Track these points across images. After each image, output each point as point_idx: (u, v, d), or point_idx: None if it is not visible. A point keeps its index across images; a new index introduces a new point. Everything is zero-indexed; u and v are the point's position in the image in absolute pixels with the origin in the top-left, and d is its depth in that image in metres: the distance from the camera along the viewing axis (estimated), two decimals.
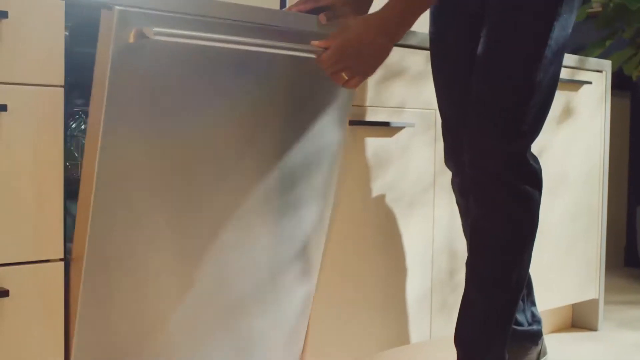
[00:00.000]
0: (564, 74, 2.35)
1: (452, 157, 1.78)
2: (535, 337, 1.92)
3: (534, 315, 1.94)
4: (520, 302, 1.90)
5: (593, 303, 2.58)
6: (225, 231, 1.47)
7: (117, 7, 1.22)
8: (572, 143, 2.41)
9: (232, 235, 1.49)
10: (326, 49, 1.48)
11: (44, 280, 1.30)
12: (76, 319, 1.32)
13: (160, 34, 1.23)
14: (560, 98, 2.34)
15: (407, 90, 1.88)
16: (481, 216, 1.65)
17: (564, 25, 1.59)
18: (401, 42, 1.85)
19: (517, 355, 1.89)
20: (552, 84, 1.64)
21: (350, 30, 1.49)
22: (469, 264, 1.68)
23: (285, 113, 1.53)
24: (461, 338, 1.67)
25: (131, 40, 1.24)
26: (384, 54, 1.51)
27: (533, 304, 1.95)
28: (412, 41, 1.86)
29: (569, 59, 2.39)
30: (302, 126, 1.56)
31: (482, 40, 1.63)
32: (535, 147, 2.24)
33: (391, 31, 1.50)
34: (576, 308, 2.62)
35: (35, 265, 1.29)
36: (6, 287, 1.25)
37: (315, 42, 1.49)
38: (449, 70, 1.75)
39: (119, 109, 1.27)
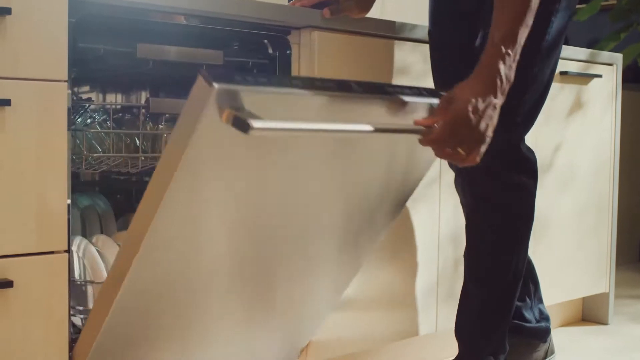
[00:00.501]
0: (574, 67, 2.35)
1: None
2: (543, 334, 1.92)
3: (541, 312, 1.94)
4: (527, 300, 1.90)
5: (603, 297, 2.58)
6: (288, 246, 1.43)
7: (216, 86, 1.05)
8: (582, 137, 2.40)
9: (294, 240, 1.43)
10: (430, 126, 1.31)
11: (48, 271, 1.32)
12: (112, 305, 1.28)
13: (260, 129, 1.04)
14: (570, 92, 2.34)
15: (411, 83, 1.88)
16: (476, 208, 1.66)
17: (561, 21, 1.60)
18: (405, 36, 1.87)
19: (525, 353, 1.89)
20: (548, 77, 1.65)
21: (458, 100, 1.32)
22: (466, 256, 1.69)
23: (367, 176, 1.42)
24: (461, 331, 1.68)
25: (224, 121, 1.07)
26: (496, 114, 1.37)
27: (540, 301, 1.96)
28: (416, 35, 1.87)
29: (579, 52, 2.38)
30: (384, 184, 1.47)
31: (480, 34, 1.63)
32: (545, 141, 2.25)
33: (498, 87, 1.35)
34: (586, 302, 2.62)
35: (39, 256, 1.31)
36: (10, 278, 1.28)
37: (419, 120, 1.32)
38: (447, 69, 1.75)
39: (192, 172, 1.16)
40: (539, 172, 2.14)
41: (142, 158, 1.59)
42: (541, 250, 2.27)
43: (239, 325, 1.52)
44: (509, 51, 1.36)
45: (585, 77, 2.39)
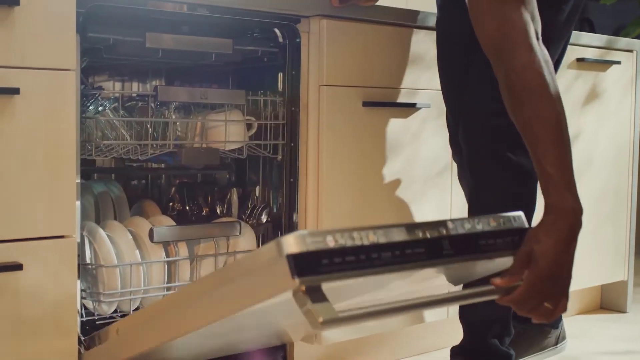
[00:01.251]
0: (591, 54, 2.33)
1: (458, 151, 1.79)
2: (554, 321, 1.93)
3: None
4: None
5: (622, 285, 2.56)
6: None
7: (298, 281, 0.96)
8: (599, 124, 2.39)
9: None
10: (506, 286, 1.21)
11: (57, 255, 1.36)
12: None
13: (331, 324, 0.99)
14: (586, 79, 2.32)
15: (421, 71, 1.89)
16: (477, 190, 1.67)
17: (566, 10, 1.61)
18: (417, 24, 1.87)
19: (536, 339, 1.90)
20: (555, 64, 1.66)
21: (538, 257, 1.21)
22: None
23: None
24: (465, 314, 1.70)
25: (296, 303, 1.00)
26: (573, 257, 1.30)
27: None
28: (427, 23, 1.88)
29: (596, 39, 2.36)
30: None
31: None
32: None
33: (575, 223, 1.28)
34: (605, 290, 2.61)
35: (48, 240, 1.35)
36: (20, 261, 1.31)
37: (498, 282, 1.21)
38: (451, 57, 1.77)
39: (244, 315, 1.12)
40: None
41: (154, 145, 1.62)
42: None
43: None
44: (568, 178, 1.26)
45: (603, 64, 2.37)
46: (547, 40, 1.61)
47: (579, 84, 2.30)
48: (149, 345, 1.25)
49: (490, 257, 1.19)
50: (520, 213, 1.25)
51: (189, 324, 1.16)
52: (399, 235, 1.08)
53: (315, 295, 0.98)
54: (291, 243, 0.96)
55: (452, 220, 1.15)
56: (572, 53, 2.28)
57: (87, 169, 1.85)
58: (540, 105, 1.26)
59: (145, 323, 1.26)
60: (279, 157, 1.77)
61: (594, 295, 2.60)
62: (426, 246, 1.10)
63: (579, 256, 2.32)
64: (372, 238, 1.04)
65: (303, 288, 0.97)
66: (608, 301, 2.60)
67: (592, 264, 2.42)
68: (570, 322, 2.42)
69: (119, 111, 1.61)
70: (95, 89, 1.58)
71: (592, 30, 3.65)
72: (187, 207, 1.89)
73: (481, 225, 1.18)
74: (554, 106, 1.26)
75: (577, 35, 2.30)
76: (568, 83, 2.27)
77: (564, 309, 1.25)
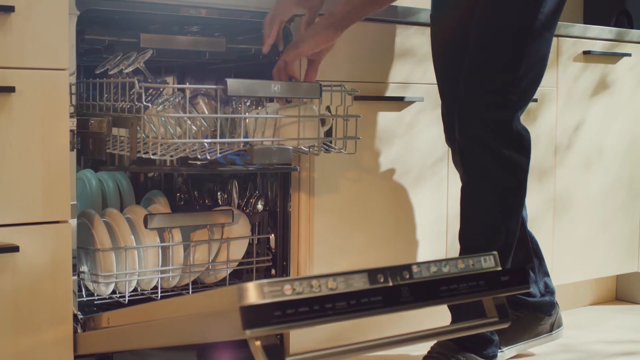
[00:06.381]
0: (599, 47, 2.36)
1: (452, 135, 1.84)
2: (547, 308, 1.96)
3: (547, 285, 1.98)
4: (532, 274, 1.95)
5: (637, 276, 2.57)
6: None
7: (248, 333, 1.01)
8: (609, 116, 2.41)
9: None
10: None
11: (52, 238, 1.48)
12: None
13: None
14: (594, 71, 2.35)
15: (414, 66, 1.96)
16: (468, 182, 1.73)
17: (555, 1, 1.65)
18: (409, 20, 1.94)
19: (530, 326, 1.94)
20: (542, 56, 1.70)
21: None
22: (460, 229, 1.75)
23: None
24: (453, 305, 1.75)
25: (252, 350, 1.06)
26: (325, 40, 1.65)
27: (546, 274, 1.99)
28: (420, 19, 1.94)
29: (605, 31, 2.38)
30: None
31: (476, 15, 1.70)
32: (565, 120, 2.27)
33: (326, 33, 1.64)
34: (620, 281, 2.62)
35: (44, 225, 1.47)
36: (17, 243, 1.43)
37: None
38: (446, 50, 1.82)
39: None
40: (561, 151, 2.18)
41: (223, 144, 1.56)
42: (565, 228, 2.31)
43: None
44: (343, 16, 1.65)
45: (612, 57, 2.39)
46: (534, 31, 1.66)
47: (585, 77, 2.33)
48: (129, 347, 1.37)
49: (450, 303, 1.23)
50: (494, 253, 1.29)
51: (159, 340, 1.26)
52: (360, 283, 1.10)
53: (270, 349, 1.03)
54: (249, 294, 1.01)
55: (419, 264, 1.17)
56: (578, 46, 2.31)
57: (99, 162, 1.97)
58: None
59: (130, 325, 1.34)
60: None
61: (609, 286, 2.61)
62: (384, 294, 1.11)
63: (590, 246, 2.36)
64: (331, 285, 1.07)
65: (257, 340, 1.02)
66: (623, 292, 2.61)
67: (604, 254, 2.44)
68: (582, 312, 2.45)
69: (184, 107, 1.56)
70: (159, 84, 1.64)
71: (630, 23, 3.61)
72: (192, 198, 2.00)
73: (448, 267, 1.21)
74: None
75: (584, 28, 2.33)
76: (575, 75, 2.30)
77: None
